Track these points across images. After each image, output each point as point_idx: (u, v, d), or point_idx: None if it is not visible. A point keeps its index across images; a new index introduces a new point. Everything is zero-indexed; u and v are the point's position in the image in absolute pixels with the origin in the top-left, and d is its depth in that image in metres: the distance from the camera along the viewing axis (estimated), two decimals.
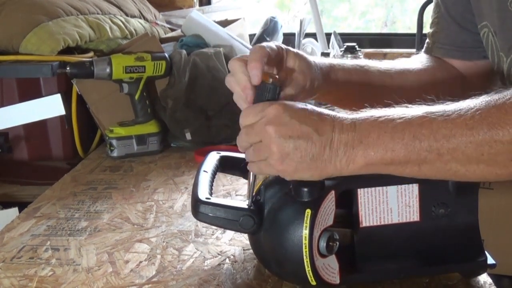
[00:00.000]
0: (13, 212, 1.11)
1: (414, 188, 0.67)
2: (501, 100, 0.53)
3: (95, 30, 1.43)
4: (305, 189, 0.63)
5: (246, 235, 0.78)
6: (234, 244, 0.84)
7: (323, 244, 0.65)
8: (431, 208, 0.69)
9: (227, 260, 0.80)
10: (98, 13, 1.49)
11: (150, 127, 1.32)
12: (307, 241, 0.63)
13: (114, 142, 1.28)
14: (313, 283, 0.65)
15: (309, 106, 0.60)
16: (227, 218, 0.69)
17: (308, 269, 0.64)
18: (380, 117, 0.57)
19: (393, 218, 0.68)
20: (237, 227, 0.68)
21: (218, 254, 0.81)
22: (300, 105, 0.60)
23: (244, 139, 0.63)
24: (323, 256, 0.65)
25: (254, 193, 0.69)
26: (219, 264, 0.78)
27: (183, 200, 1.01)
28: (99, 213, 0.97)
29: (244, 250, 0.81)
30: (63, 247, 0.84)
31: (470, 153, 0.53)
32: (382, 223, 0.68)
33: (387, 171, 0.59)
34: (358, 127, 0.57)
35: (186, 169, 1.19)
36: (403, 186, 0.67)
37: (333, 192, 0.64)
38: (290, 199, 0.65)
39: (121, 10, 1.61)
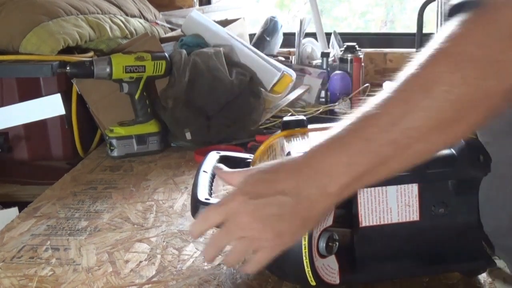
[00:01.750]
0: (13, 212, 1.11)
1: (414, 187, 0.67)
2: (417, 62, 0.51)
3: (95, 30, 1.43)
4: None
5: None
6: None
7: (322, 244, 0.65)
8: (431, 207, 0.69)
9: None
10: (98, 13, 1.49)
11: (150, 127, 1.32)
12: (306, 242, 0.63)
13: (114, 142, 1.28)
14: (313, 283, 0.65)
15: (255, 172, 0.59)
16: None
17: (307, 269, 0.64)
18: (326, 141, 0.55)
19: (393, 217, 0.68)
20: None
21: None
22: (248, 177, 0.58)
23: (222, 240, 0.60)
24: (322, 256, 0.65)
25: None
26: (219, 264, 0.78)
27: (183, 200, 1.02)
28: (99, 213, 0.97)
29: None
30: (63, 247, 0.85)
31: (420, 126, 0.50)
32: (382, 222, 0.68)
33: (364, 184, 0.57)
34: (313, 163, 0.55)
35: (186, 169, 1.19)
36: (402, 185, 0.67)
37: None
38: None
39: (121, 10, 1.61)
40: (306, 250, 0.63)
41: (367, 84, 1.59)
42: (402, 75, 0.51)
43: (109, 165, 1.25)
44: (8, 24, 1.34)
